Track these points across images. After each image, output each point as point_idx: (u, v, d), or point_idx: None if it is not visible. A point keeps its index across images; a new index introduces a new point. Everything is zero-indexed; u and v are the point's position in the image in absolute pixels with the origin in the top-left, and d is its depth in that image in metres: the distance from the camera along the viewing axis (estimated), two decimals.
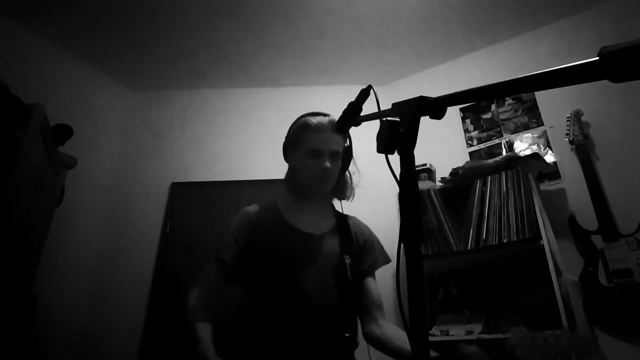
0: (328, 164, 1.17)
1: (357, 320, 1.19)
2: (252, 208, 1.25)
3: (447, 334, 1.93)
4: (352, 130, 1.01)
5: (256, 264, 1.12)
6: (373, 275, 1.24)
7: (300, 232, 1.18)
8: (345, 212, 1.31)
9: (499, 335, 1.80)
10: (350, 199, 1.29)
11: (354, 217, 1.33)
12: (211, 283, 1.14)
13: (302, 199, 1.25)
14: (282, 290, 1.08)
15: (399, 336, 1.10)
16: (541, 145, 2.31)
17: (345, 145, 1.24)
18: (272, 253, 1.12)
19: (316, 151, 1.18)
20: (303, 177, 1.21)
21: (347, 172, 1.29)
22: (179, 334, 2.19)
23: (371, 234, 1.31)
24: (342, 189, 1.28)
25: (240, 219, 1.21)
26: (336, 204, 1.31)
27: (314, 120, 1.20)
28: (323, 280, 1.11)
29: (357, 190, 1.31)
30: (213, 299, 1.12)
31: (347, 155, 1.25)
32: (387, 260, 1.27)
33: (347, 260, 1.16)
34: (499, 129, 2.51)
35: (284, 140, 1.30)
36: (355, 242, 1.24)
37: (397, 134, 0.56)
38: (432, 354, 0.96)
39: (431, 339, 1.92)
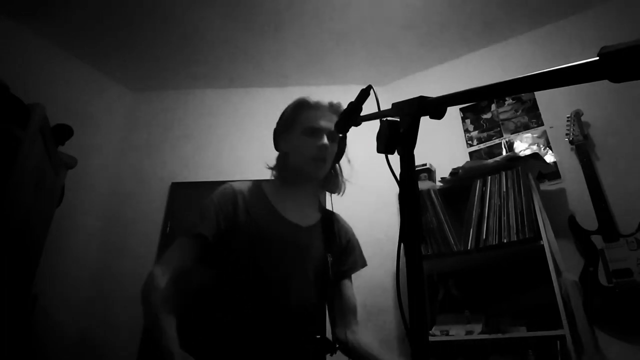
0: (326, 141, 1.09)
1: (338, 322, 1.14)
2: (238, 186, 1.14)
3: (447, 334, 1.93)
4: (352, 130, 1.00)
5: (239, 247, 1.03)
6: (350, 278, 1.19)
7: (288, 222, 1.10)
8: (344, 212, 1.27)
9: (499, 335, 1.80)
10: (341, 193, 1.21)
11: (339, 215, 1.25)
12: (182, 261, 1.00)
13: (290, 187, 1.16)
14: (267, 281, 1.01)
15: (373, 346, 1.07)
16: (541, 145, 2.31)
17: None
18: (257, 239, 1.04)
19: (313, 129, 1.10)
20: (297, 160, 1.12)
21: (338, 165, 1.21)
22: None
23: (353, 234, 1.25)
24: (334, 180, 1.20)
25: (223, 196, 1.09)
26: (329, 199, 1.23)
27: (313, 98, 1.15)
28: (306, 276, 1.06)
29: (356, 190, 1.26)
30: (181, 281, 0.99)
31: (341, 144, 1.14)
32: (364, 264, 1.22)
33: (330, 259, 1.11)
34: (499, 129, 2.51)
35: (275, 126, 1.21)
36: (339, 240, 1.18)
37: (397, 134, 0.56)
38: None
39: (431, 339, 1.92)
